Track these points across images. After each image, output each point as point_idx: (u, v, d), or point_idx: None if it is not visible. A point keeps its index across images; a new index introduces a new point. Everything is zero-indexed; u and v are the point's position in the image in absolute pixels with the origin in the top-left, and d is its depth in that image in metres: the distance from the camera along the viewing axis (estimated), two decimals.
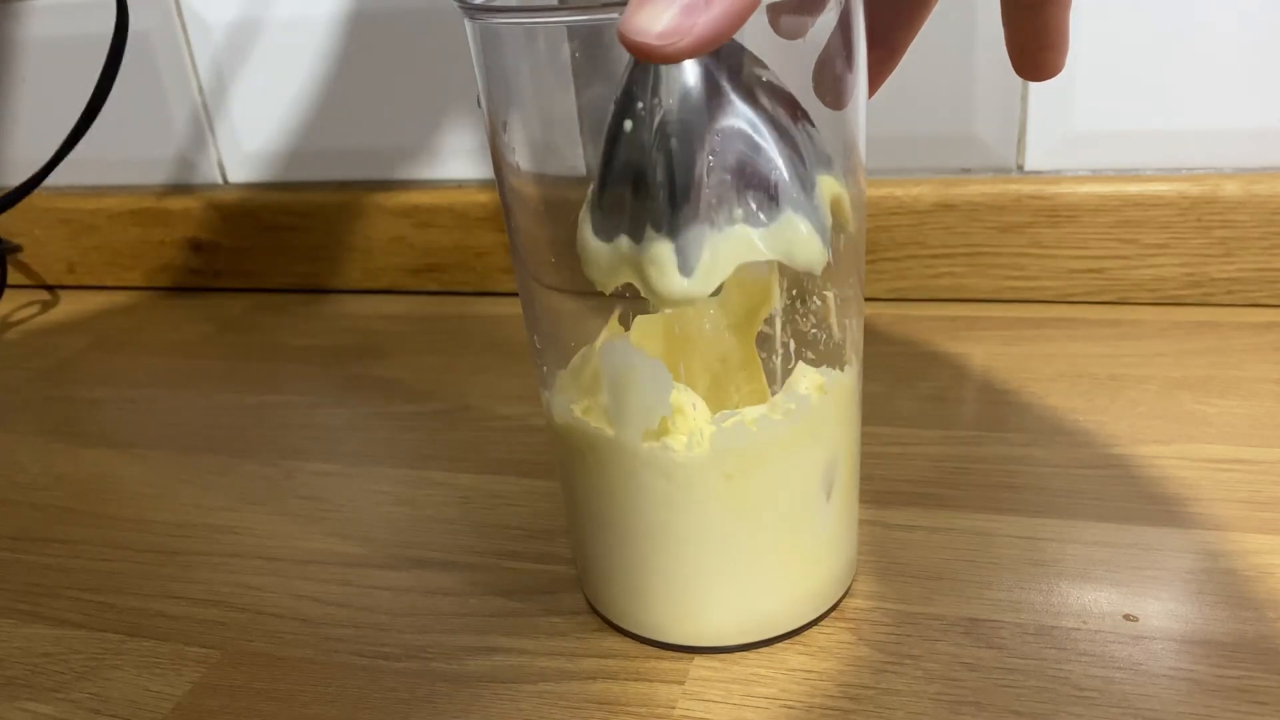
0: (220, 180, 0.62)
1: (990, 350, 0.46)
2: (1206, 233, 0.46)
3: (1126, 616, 0.30)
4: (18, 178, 0.66)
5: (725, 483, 0.27)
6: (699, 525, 0.28)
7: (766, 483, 0.28)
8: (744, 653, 0.30)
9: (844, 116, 0.26)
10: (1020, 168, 0.49)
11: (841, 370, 0.29)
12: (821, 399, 0.28)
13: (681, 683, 0.29)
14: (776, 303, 0.29)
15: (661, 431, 0.27)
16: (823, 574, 0.30)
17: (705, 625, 0.30)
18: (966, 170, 0.50)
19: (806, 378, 0.28)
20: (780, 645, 0.30)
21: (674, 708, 0.28)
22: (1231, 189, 0.46)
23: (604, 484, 0.29)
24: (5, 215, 0.65)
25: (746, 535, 0.28)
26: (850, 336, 0.29)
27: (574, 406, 0.28)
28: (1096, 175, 0.48)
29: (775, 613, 0.30)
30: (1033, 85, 0.47)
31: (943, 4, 0.46)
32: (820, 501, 0.29)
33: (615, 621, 0.31)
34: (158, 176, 0.62)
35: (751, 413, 0.27)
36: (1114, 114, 0.47)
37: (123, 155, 0.63)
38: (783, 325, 0.28)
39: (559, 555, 0.35)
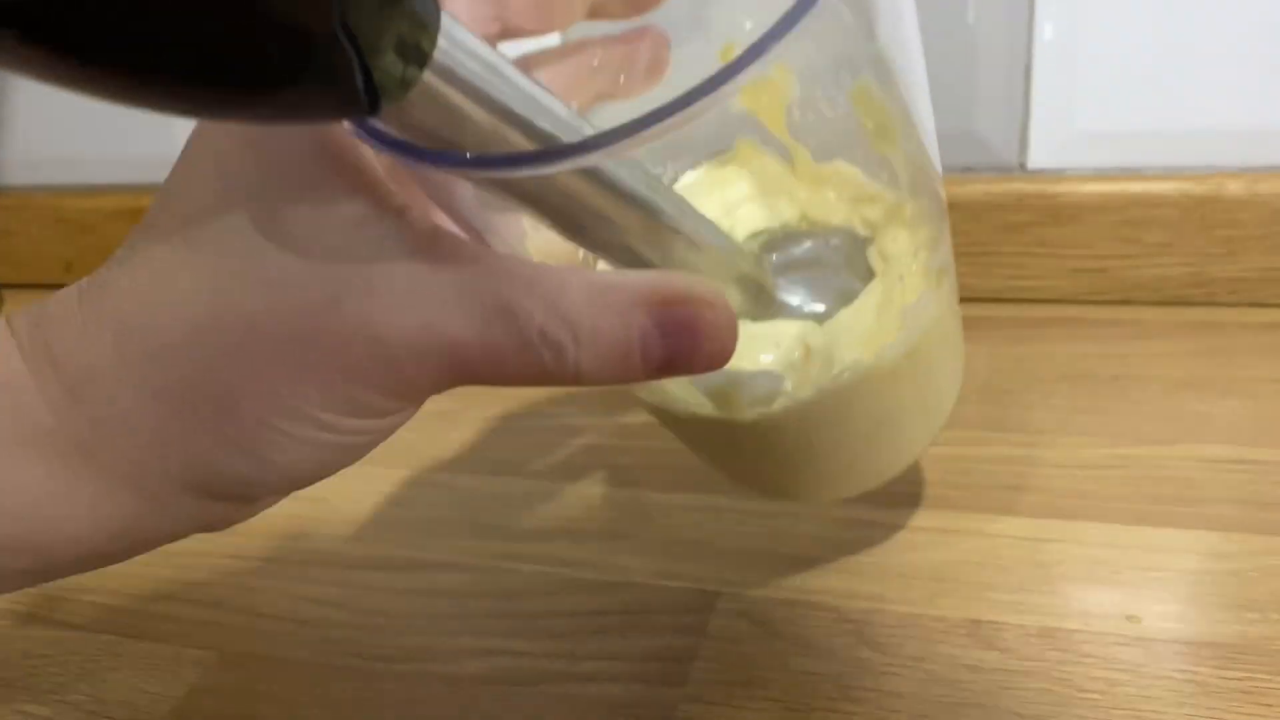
0: None
1: (993, 350, 0.45)
2: (1210, 232, 0.46)
3: (1129, 618, 0.29)
4: (18, 178, 0.66)
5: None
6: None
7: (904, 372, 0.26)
8: (745, 653, 0.30)
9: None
10: (1023, 167, 0.49)
11: (939, 286, 0.27)
12: (929, 327, 0.26)
13: (682, 684, 0.29)
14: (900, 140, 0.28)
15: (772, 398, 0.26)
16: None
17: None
18: (969, 169, 0.49)
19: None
20: (781, 646, 0.30)
21: (674, 709, 0.28)
22: (1235, 188, 0.45)
23: (716, 448, 0.29)
24: (3, 215, 0.65)
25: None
26: (941, 257, 0.28)
27: (670, 384, 0.27)
28: (1099, 174, 0.48)
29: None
30: (1036, 84, 0.47)
31: (943, 4, 0.46)
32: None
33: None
34: (155, 175, 0.62)
35: (855, 351, 0.26)
36: (1117, 113, 0.47)
37: (120, 154, 0.63)
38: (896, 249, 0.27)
39: (558, 556, 0.35)
